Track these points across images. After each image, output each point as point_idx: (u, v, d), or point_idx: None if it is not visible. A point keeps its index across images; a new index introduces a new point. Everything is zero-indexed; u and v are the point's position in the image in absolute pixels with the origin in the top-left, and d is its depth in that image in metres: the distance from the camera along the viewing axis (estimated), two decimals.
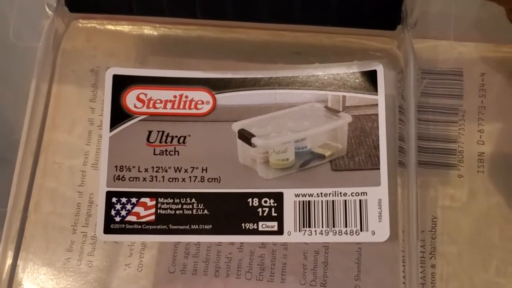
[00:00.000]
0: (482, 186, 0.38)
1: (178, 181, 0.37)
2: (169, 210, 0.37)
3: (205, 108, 0.38)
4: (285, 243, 0.37)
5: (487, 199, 0.38)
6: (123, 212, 0.37)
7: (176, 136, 0.38)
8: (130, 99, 0.38)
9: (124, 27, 0.41)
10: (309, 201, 0.36)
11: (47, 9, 0.40)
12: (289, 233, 0.36)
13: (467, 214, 0.37)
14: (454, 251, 0.37)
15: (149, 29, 0.41)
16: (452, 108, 0.39)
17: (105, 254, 0.37)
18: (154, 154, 0.37)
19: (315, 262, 0.37)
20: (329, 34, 0.40)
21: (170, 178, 0.37)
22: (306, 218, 0.36)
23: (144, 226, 0.37)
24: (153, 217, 0.37)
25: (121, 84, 0.38)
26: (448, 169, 0.38)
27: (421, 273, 0.36)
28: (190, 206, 0.37)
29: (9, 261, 0.37)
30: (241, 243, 0.37)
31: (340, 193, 0.36)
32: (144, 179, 0.37)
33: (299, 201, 0.37)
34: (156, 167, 0.37)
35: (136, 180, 0.37)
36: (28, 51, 0.39)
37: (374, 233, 0.36)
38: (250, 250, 0.37)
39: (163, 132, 0.37)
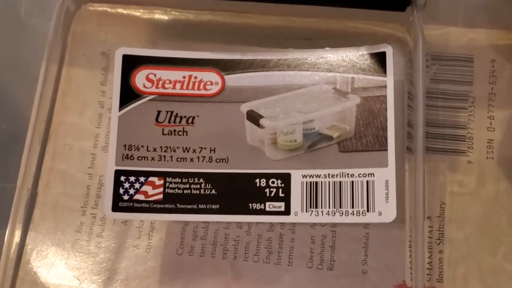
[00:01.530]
0: (492, 173, 0.38)
1: (186, 161, 0.37)
2: (177, 190, 0.37)
3: (214, 89, 0.38)
4: (292, 226, 0.37)
5: (496, 185, 0.37)
6: (131, 191, 0.37)
7: (185, 117, 0.38)
8: (140, 79, 0.38)
9: (135, 11, 0.41)
10: (316, 182, 0.36)
11: None
12: (296, 214, 0.36)
13: (475, 200, 0.37)
14: (462, 236, 0.37)
15: (160, 13, 0.41)
16: (462, 95, 0.39)
17: (114, 235, 0.37)
18: (163, 134, 0.37)
19: (322, 246, 0.37)
20: (340, 19, 0.40)
21: (178, 158, 0.37)
22: (313, 199, 0.36)
23: (152, 205, 0.37)
24: (161, 196, 0.37)
25: (130, 64, 0.38)
26: (458, 155, 0.38)
27: (428, 258, 0.36)
28: (198, 186, 0.37)
29: (16, 240, 0.37)
30: (249, 226, 0.37)
31: (347, 174, 0.36)
32: (153, 158, 0.37)
33: (306, 182, 0.37)
34: (165, 147, 0.37)
35: (144, 160, 0.37)
36: (39, 30, 0.40)
37: (380, 213, 0.36)
38: (257, 233, 0.37)
39: (172, 112, 0.38)
